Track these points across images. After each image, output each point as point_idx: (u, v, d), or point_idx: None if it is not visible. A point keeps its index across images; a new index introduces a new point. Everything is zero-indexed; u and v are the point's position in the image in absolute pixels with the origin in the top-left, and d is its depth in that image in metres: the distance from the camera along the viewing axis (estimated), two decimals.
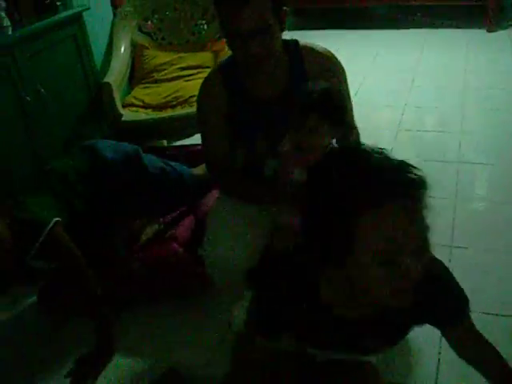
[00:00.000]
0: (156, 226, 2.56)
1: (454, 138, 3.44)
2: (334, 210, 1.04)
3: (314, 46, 1.95)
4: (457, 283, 1.32)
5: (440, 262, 1.32)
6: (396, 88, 4.27)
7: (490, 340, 1.49)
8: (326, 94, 1.69)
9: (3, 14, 2.69)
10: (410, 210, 1.01)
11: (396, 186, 1.01)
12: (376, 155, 1.08)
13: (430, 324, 1.36)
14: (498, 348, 1.41)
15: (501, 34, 5.28)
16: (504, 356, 1.38)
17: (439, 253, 1.31)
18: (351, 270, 1.08)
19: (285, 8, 1.77)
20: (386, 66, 4.81)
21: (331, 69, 1.93)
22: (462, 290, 1.33)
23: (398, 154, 3.08)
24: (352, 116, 2.03)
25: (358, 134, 2.05)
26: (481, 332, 1.39)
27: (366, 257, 1.03)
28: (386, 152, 1.11)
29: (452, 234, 2.55)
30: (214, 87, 1.93)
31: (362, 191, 1.01)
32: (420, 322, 1.34)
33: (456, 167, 3.09)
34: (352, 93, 4.06)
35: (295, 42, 1.93)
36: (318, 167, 1.17)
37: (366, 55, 5.07)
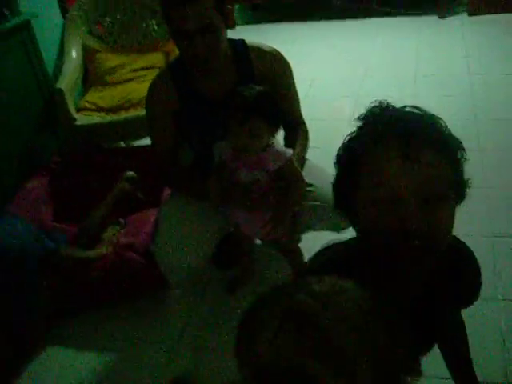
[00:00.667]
0: (117, 228, 2.61)
1: None
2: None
3: (261, 45, 2.02)
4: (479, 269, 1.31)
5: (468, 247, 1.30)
6: (349, 78, 4.33)
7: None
8: (262, 97, 1.75)
9: None
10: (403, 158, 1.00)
11: (387, 134, 1.04)
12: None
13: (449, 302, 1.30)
14: None
15: (452, 20, 5.35)
16: None
17: None
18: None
19: (228, 6, 1.85)
20: (339, 56, 4.88)
21: (277, 67, 2.01)
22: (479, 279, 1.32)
23: None
24: (299, 111, 2.10)
25: (306, 130, 2.12)
26: None
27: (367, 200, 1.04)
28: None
29: None
30: (163, 86, 1.99)
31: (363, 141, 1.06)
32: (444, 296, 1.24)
33: None
34: (307, 85, 4.14)
35: (242, 41, 2.00)
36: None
37: (321, 47, 5.13)
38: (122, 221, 2.60)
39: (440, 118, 1.14)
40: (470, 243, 2.30)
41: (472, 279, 1.30)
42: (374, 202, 1.02)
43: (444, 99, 3.81)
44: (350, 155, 1.10)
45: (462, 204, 1.09)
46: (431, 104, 3.65)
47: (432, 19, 5.41)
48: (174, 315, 2.31)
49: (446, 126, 1.13)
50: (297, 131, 2.11)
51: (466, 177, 1.12)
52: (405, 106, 1.15)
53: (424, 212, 0.99)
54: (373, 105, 1.15)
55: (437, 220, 1.01)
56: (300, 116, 2.17)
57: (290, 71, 2.08)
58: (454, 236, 1.19)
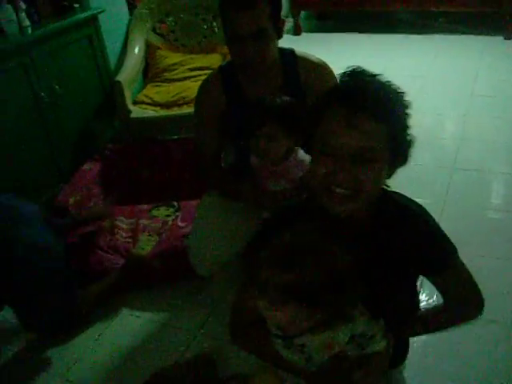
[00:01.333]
0: (171, 209, 2.80)
1: (453, 144, 3.53)
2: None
3: (309, 56, 2.08)
4: (443, 235, 1.44)
5: (430, 217, 1.44)
6: (404, 91, 4.34)
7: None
8: (283, 104, 1.85)
9: (23, 15, 2.90)
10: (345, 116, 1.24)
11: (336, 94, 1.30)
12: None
13: (420, 273, 1.48)
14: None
15: None
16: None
17: None
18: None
19: (283, 18, 1.94)
20: (398, 70, 4.88)
21: (323, 78, 2.03)
22: (447, 240, 1.44)
23: None
24: None
25: None
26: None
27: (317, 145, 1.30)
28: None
29: None
30: (213, 87, 2.08)
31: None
32: (409, 270, 1.42)
33: (449, 173, 3.19)
34: None
35: (291, 50, 2.07)
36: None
37: (380, 59, 5.16)
38: (175, 203, 2.76)
39: (403, 93, 1.41)
40: (496, 265, 2.34)
41: (424, 240, 1.39)
42: (318, 154, 1.29)
43: (496, 120, 3.80)
44: (316, 108, 1.35)
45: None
46: (482, 124, 3.66)
47: (497, 40, 5.36)
48: (201, 304, 2.42)
49: (406, 100, 1.40)
50: None
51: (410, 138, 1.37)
52: (377, 75, 1.39)
53: (353, 169, 1.24)
54: (350, 68, 1.36)
55: (363, 177, 1.25)
56: None
57: (336, 82, 2.13)
58: (405, 197, 1.44)
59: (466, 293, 1.50)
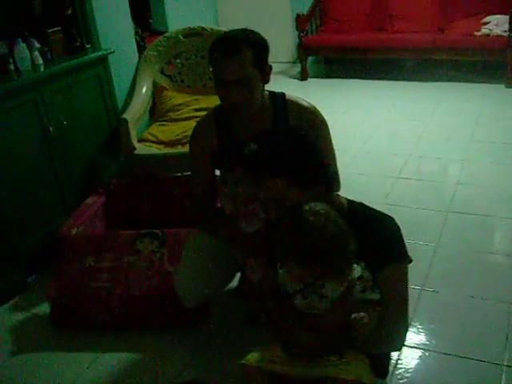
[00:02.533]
0: (156, 243, 2.68)
1: (450, 188, 3.61)
2: None
3: (299, 100, 2.15)
4: (398, 236, 1.73)
5: (391, 218, 1.76)
6: (405, 138, 4.46)
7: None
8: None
9: (37, 53, 3.05)
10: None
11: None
12: None
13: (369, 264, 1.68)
14: None
15: None
16: None
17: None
18: None
19: (269, 64, 2.03)
20: (401, 116, 5.02)
21: (313, 122, 2.12)
22: (401, 244, 1.73)
23: (393, 200, 3.30)
24: (335, 165, 2.18)
25: (339, 185, 2.22)
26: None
27: None
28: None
29: (426, 277, 2.71)
30: (206, 127, 2.18)
31: None
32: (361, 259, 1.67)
33: (445, 216, 3.26)
34: (362, 141, 4.32)
35: (282, 94, 2.15)
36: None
37: (384, 105, 5.30)
38: (158, 233, 2.67)
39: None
40: (486, 307, 2.39)
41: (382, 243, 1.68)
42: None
43: (494, 165, 3.89)
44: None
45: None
46: (478, 168, 3.76)
47: (498, 87, 5.49)
48: (194, 335, 2.48)
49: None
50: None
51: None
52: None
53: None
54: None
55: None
56: (334, 171, 2.16)
57: (326, 127, 2.17)
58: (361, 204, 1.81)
59: (397, 297, 1.70)
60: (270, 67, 2.03)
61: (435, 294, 2.60)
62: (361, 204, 1.80)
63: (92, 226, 2.97)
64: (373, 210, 1.77)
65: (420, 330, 2.38)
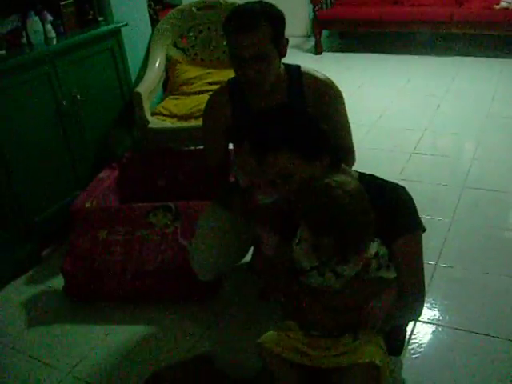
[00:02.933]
0: (169, 216, 2.69)
1: (465, 163, 3.57)
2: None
3: (315, 72, 2.12)
4: (410, 206, 1.71)
5: (402, 188, 1.74)
6: (420, 113, 4.41)
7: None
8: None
9: (49, 27, 3.03)
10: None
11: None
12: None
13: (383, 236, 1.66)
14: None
15: None
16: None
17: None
18: None
19: (286, 38, 1.99)
20: (416, 91, 4.96)
21: (327, 95, 2.09)
22: (415, 214, 1.72)
23: (408, 175, 3.27)
24: (348, 140, 2.18)
25: (353, 158, 2.20)
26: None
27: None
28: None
29: (440, 253, 2.69)
30: (220, 99, 2.15)
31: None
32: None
33: (459, 191, 3.23)
34: (376, 116, 4.28)
35: (297, 66, 2.12)
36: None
37: (400, 79, 5.23)
38: (171, 206, 2.66)
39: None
40: (500, 283, 2.38)
41: (395, 206, 1.68)
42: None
43: (508, 141, 3.84)
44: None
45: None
46: (494, 144, 3.72)
47: None
48: (206, 311, 2.49)
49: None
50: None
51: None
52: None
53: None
54: None
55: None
56: (348, 145, 2.19)
57: (341, 100, 2.15)
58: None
59: (413, 268, 1.69)
60: (287, 40, 1.99)
61: (450, 270, 2.59)
62: (371, 176, 1.78)
63: (105, 200, 2.98)
64: (383, 180, 1.75)
65: (434, 305, 2.37)
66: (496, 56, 5.59)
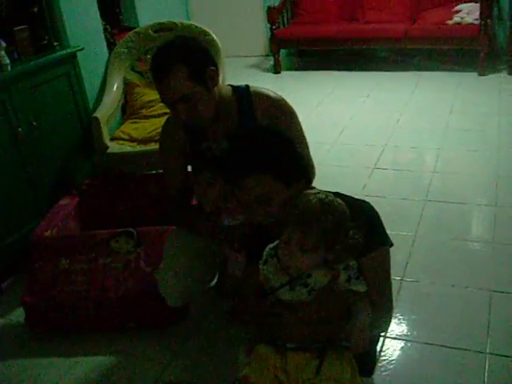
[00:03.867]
0: (131, 242, 2.61)
1: (426, 177, 3.61)
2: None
3: (264, 91, 2.11)
4: (380, 225, 1.72)
5: (368, 204, 1.74)
6: (380, 128, 4.45)
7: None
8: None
9: (3, 53, 2.96)
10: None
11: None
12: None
13: None
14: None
15: (491, 77, 5.45)
16: None
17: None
18: None
19: (212, 68, 1.95)
20: (375, 106, 5.02)
21: (279, 112, 2.07)
22: (382, 230, 1.72)
23: (370, 190, 3.27)
24: (308, 154, 2.17)
25: (313, 173, 2.20)
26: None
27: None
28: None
29: (405, 267, 2.70)
30: (174, 126, 2.12)
31: None
32: None
33: (422, 205, 3.25)
34: (337, 133, 4.31)
35: (246, 86, 2.10)
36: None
37: (359, 95, 5.29)
38: (133, 231, 2.59)
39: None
40: (467, 295, 2.40)
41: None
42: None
43: (469, 153, 3.90)
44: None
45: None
46: (457, 156, 3.76)
47: (472, 76, 5.51)
48: (173, 336, 2.44)
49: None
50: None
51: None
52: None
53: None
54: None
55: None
56: (309, 158, 2.18)
57: (294, 116, 2.14)
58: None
59: (381, 283, 1.70)
60: (214, 70, 1.96)
61: (416, 284, 2.60)
62: (336, 193, 1.77)
63: (66, 228, 2.90)
64: (348, 196, 1.74)
65: (402, 320, 2.37)
66: (452, 70, 5.71)
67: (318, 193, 1.58)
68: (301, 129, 2.16)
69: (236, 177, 1.66)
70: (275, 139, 1.71)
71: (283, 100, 2.11)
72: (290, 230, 1.54)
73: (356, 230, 1.58)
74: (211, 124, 2.02)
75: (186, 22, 3.74)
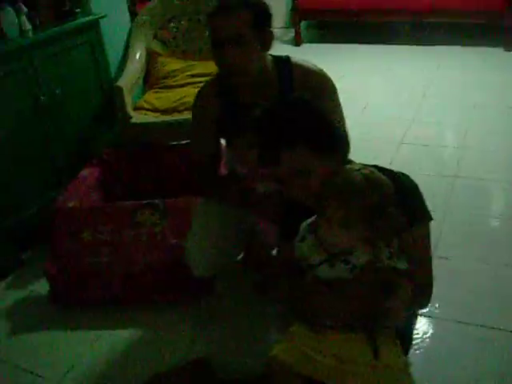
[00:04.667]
0: (156, 214, 2.54)
1: (454, 153, 3.53)
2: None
3: (305, 63, 2.04)
4: (419, 195, 1.64)
5: (408, 176, 1.67)
6: (405, 102, 4.36)
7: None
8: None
9: (24, 18, 2.88)
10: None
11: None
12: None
13: None
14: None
15: None
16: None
17: None
18: None
19: (270, 29, 1.90)
20: (400, 80, 4.91)
21: (319, 85, 2.00)
22: (424, 205, 1.64)
23: (397, 166, 3.19)
24: (345, 128, 2.11)
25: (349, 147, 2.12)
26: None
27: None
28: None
29: (436, 244, 2.63)
30: (209, 92, 2.07)
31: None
32: None
33: (451, 181, 3.18)
34: (361, 107, 4.21)
35: (287, 57, 2.04)
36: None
37: (381, 69, 5.18)
38: (158, 203, 2.52)
39: None
40: (497, 272, 2.34)
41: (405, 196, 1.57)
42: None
43: (494, 131, 3.82)
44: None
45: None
46: (483, 134, 3.64)
47: (497, 51, 5.38)
48: (200, 310, 2.40)
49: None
50: None
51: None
52: None
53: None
54: None
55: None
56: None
57: (334, 90, 2.08)
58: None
59: (422, 258, 1.64)
60: (271, 34, 1.91)
61: (447, 261, 2.54)
62: (375, 166, 1.70)
63: (88, 199, 2.85)
64: (388, 170, 1.67)
65: (434, 298, 2.30)
66: (477, 45, 5.56)
67: (363, 168, 1.51)
68: (339, 104, 2.09)
69: (273, 151, 1.58)
70: (311, 109, 1.62)
71: (325, 74, 2.05)
72: (330, 204, 1.47)
73: (398, 206, 1.51)
74: (252, 87, 1.95)
75: None
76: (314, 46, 6.19)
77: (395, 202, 1.49)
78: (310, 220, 1.61)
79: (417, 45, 5.76)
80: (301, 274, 1.60)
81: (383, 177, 1.50)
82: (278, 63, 2.01)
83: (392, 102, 4.44)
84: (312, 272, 1.58)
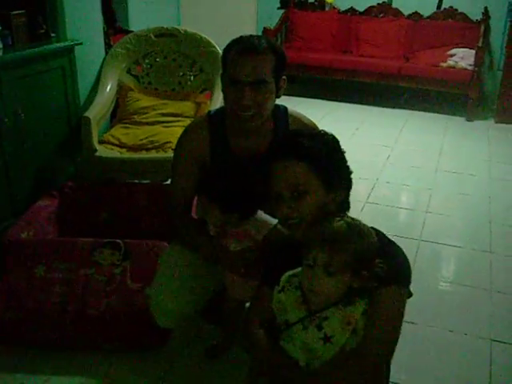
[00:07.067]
0: (117, 254, 2.40)
1: (420, 216, 3.52)
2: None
3: (301, 116, 2.03)
4: (402, 262, 1.58)
5: (397, 246, 1.61)
6: (370, 163, 4.37)
7: None
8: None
9: None
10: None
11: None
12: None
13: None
14: None
15: (479, 124, 5.50)
16: None
17: None
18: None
19: (284, 78, 1.88)
20: (365, 140, 4.95)
21: None
22: (408, 269, 1.59)
23: None
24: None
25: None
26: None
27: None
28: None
29: None
30: (198, 133, 1.97)
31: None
32: None
33: (416, 244, 3.16)
34: None
35: (284, 108, 2.01)
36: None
37: (348, 127, 5.22)
38: (120, 243, 2.38)
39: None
40: (466, 342, 2.28)
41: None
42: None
43: (461, 197, 3.85)
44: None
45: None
46: (448, 198, 3.66)
47: (460, 120, 5.54)
48: (153, 363, 2.24)
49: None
50: None
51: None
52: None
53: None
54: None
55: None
56: None
57: None
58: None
59: (390, 323, 1.51)
60: (285, 82, 1.89)
61: (412, 327, 2.47)
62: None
63: (44, 232, 2.68)
64: (380, 231, 1.62)
65: (398, 366, 2.23)
66: (441, 113, 5.73)
67: (347, 217, 1.50)
68: None
69: (273, 160, 1.60)
70: (327, 140, 1.70)
71: (317, 127, 2.01)
72: (315, 251, 1.44)
73: (383, 258, 1.47)
74: (245, 133, 1.92)
75: (190, 30, 3.57)
76: (282, 98, 6.18)
77: (379, 253, 1.47)
78: (292, 272, 1.56)
79: (384, 107, 5.88)
80: (274, 331, 1.56)
81: (366, 225, 1.49)
82: (277, 113, 1.97)
83: (358, 161, 4.39)
84: (286, 333, 1.52)
